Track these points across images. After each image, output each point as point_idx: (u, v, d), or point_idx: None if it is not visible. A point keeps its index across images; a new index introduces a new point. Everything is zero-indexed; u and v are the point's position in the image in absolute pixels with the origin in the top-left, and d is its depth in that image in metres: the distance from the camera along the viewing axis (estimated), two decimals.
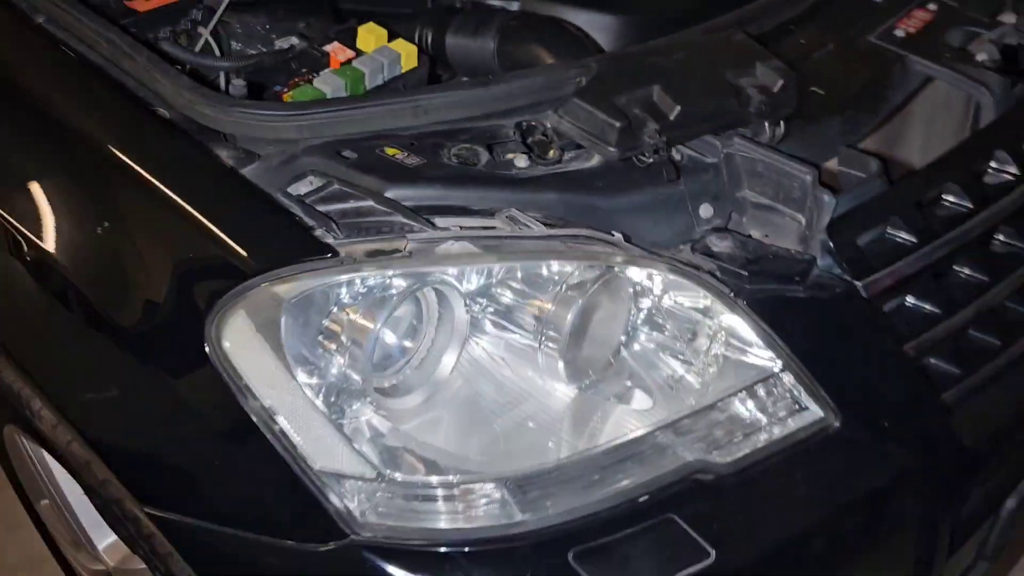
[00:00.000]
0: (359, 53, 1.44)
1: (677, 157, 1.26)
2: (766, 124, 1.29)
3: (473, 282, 1.10)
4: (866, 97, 1.45)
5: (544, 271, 1.11)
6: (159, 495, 1.19)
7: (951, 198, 1.30)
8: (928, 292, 1.29)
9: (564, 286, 1.11)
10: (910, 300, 1.29)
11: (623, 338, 1.16)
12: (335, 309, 1.06)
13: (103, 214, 1.19)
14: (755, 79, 1.30)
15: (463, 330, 1.12)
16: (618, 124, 1.20)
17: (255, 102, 1.26)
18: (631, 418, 1.16)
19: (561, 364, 1.11)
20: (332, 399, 1.07)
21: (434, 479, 1.07)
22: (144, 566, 1.65)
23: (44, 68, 1.30)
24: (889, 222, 1.24)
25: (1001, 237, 1.40)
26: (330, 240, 1.07)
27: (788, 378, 1.19)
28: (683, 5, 1.59)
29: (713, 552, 1.11)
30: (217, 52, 1.48)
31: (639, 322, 1.18)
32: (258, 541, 1.13)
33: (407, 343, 1.12)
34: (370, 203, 1.12)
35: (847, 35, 1.51)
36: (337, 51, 1.44)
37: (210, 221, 1.11)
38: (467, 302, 1.12)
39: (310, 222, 1.10)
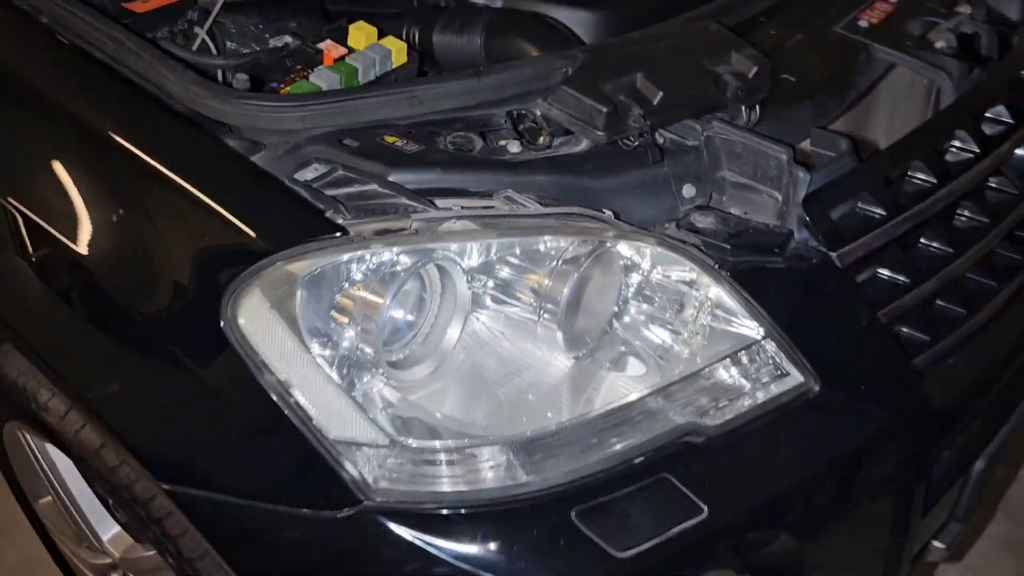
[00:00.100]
0: (351, 50, 1.50)
1: (660, 140, 1.33)
2: (743, 108, 1.37)
3: (474, 258, 1.16)
4: (834, 83, 1.53)
5: (541, 247, 1.18)
6: (177, 472, 1.24)
7: (917, 174, 1.38)
8: (897, 263, 1.36)
9: (560, 260, 1.17)
10: (881, 271, 1.37)
11: (615, 309, 1.23)
12: (347, 285, 1.12)
13: (118, 203, 1.24)
14: (731, 66, 1.38)
15: (465, 304, 1.18)
16: (605, 109, 1.27)
17: (259, 94, 1.31)
18: (625, 385, 1.22)
19: (560, 334, 1.17)
20: (344, 371, 1.13)
21: (443, 444, 1.13)
22: (150, 553, 1.70)
23: (55, 66, 1.35)
24: (860, 197, 1.31)
25: (965, 213, 1.48)
26: (339, 220, 1.13)
27: (770, 345, 1.25)
28: (658, 2, 1.67)
29: (705, 508, 1.17)
30: (214, 51, 1.54)
31: (630, 295, 1.24)
32: (274, 511, 1.17)
33: (413, 317, 1.18)
34: (374, 186, 1.18)
35: (814, 26, 1.59)
36: (330, 48, 1.49)
37: (224, 206, 1.16)
38: (469, 278, 1.18)
39: (319, 205, 1.15)
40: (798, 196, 1.27)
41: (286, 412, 1.13)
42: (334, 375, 1.11)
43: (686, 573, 1.18)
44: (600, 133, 1.28)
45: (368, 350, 1.12)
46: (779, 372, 1.26)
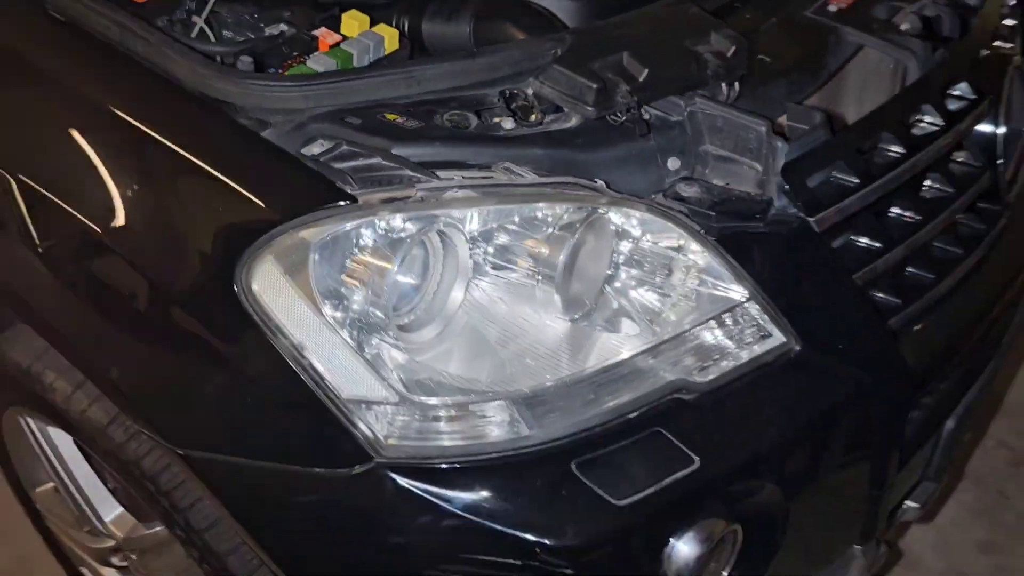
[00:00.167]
0: (345, 38, 1.55)
1: (646, 116, 1.40)
2: (723, 85, 1.44)
3: (475, 223, 1.22)
4: (806, 63, 1.61)
5: (538, 214, 1.24)
6: (193, 437, 1.29)
7: (887, 146, 1.46)
8: (870, 229, 1.44)
9: (556, 227, 1.24)
10: (855, 238, 1.45)
11: (609, 273, 1.30)
12: (356, 251, 1.17)
13: (134, 178, 1.28)
14: (711, 46, 1.45)
15: (467, 268, 1.24)
16: (595, 86, 1.33)
17: (264, 75, 1.37)
18: (620, 344, 1.29)
19: (557, 297, 1.24)
20: (355, 334, 1.18)
21: (451, 400, 1.19)
22: (154, 531, 1.74)
23: (67, 51, 1.40)
24: (835, 166, 1.38)
25: (931, 183, 1.57)
26: (348, 190, 1.19)
27: (754, 308, 1.32)
28: None
29: (697, 459, 1.24)
30: (212, 39, 1.59)
31: (621, 261, 1.31)
32: (288, 471, 1.23)
33: (418, 282, 1.23)
34: (378, 159, 1.24)
35: (787, 11, 1.68)
36: (325, 36, 1.55)
37: (237, 179, 1.22)
38: (471, 244, 1.24)
39: (328, 176, 1.21)
40: (777, 165, 1.34)
41: (300, 374, 1.18)
42: (346, 337, 1.17)
43: (680, 520, 1.24)
44: (590, 108, 1.34)
45: (378, 313, 1.17)
46: (762, 333, 1.33)
